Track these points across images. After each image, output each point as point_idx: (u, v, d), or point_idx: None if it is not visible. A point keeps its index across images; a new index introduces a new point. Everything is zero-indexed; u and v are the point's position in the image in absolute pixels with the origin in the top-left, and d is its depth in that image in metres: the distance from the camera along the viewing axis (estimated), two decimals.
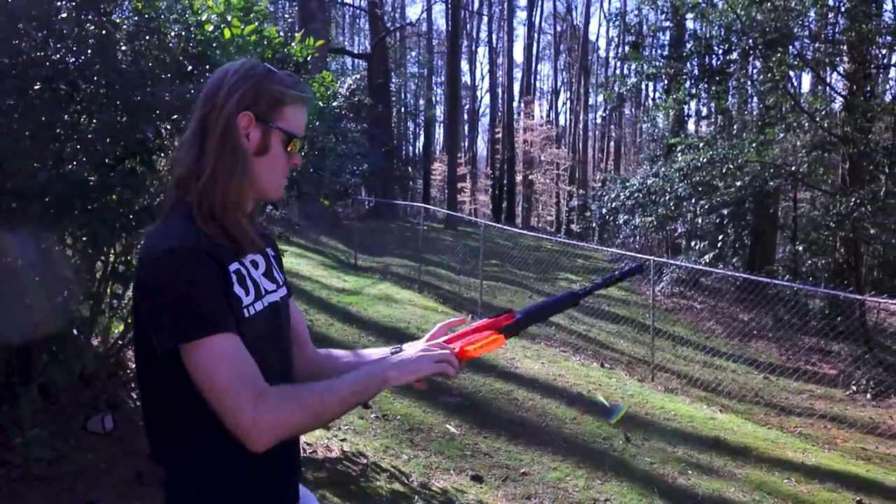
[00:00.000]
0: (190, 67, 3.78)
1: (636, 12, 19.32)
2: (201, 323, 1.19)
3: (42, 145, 3.33)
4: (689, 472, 5.10)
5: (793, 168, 13.52)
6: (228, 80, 1.33)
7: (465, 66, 43.63)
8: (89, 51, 3.26)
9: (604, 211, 17.93)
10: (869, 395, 8.74)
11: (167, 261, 1.20)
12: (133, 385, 4.31)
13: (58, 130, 3.30)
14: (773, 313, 11.44)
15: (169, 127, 3.74)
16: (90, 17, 3.42)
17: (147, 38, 3.73)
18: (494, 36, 43.39)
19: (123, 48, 3.63)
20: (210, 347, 1.18)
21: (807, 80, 24.93)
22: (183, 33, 3.82)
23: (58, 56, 3.22)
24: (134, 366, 4.41)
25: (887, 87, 15.17)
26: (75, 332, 3.70)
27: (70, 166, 3.41)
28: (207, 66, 3.80)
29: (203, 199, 1.30)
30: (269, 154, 1.36)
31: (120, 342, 4.24)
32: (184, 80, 3.53)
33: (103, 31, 3.44)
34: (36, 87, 3.16)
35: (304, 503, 1.51)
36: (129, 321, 4.16)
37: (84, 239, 3.45)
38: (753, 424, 6.84)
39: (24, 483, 3.23)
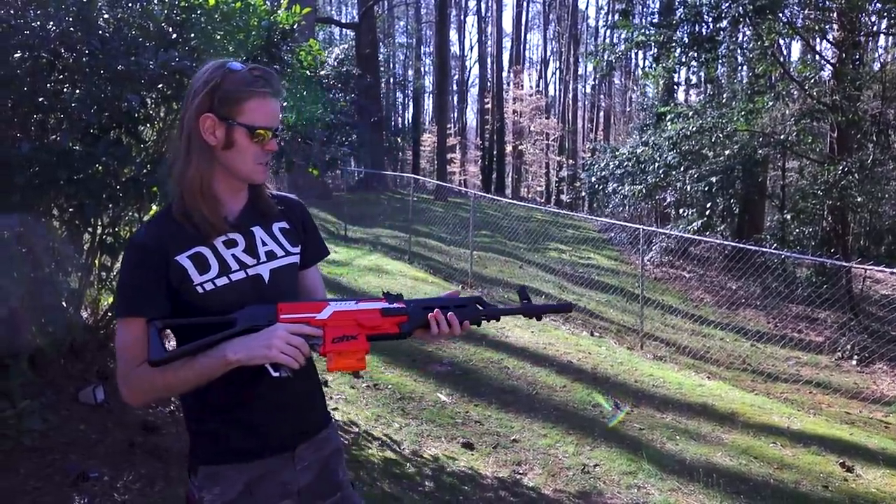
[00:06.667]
0: (174, 35, 3.71)
1: None
2: (119, 306, 1.51)
3: (25, 115, 3.28)
4: (678, 437, 5.18)
5: (781, 137, 13.53)
6: (194, 86, 1.51)
7: (453, 35, 43.13)
8: (69, 18, 3.19)
9: (593, 180, 17.89)
10: (854, 361, 8.87)
11: (125, 252, 1.56)
12: None
13: (40, 100, 3.24)
14: (761, 281, 11.52)
15: (154, 96, 3.69)
16: None
17: (129, 4, 3.66)
18: (483, 5, 42.92)
19: (105, 16, 3.56)
20: (119, 327, 1.50)
21: (796, 49, 24.84)
22: (166, 0, 3.75)
23: (38, 23, 3.15)
24: None
25: (876, 55, 15.16)
26: (64, 304, 3.68)
27: (54, 136, 3.36)
28: (192, 34, 3.73)
29: (177, 192, 1.53)
30: (236, 147, 1.51)
31: (109, 314, 4.22)
32: (168, 49, 3.46)
33: None
34: (16, 56, 3.10)
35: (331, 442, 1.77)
36: None
37: (70, 210, 3.41)
38: (741, 391, 6.93)
39: (17, 454, 3.24)
